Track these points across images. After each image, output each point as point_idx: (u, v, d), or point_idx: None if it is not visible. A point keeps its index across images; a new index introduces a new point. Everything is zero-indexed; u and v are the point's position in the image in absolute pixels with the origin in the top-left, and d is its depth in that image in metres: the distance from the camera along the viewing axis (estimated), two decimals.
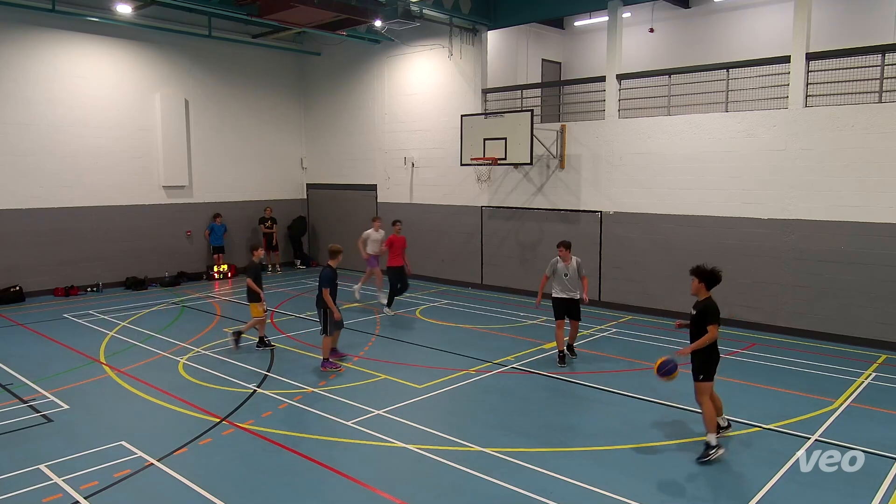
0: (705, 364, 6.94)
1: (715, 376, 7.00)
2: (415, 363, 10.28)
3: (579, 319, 10.42)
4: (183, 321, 13.15)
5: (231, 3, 14.34)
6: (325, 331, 9.87)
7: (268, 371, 9.79)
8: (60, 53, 15.61)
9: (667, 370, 7.02)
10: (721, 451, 6.85)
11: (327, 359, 9.89)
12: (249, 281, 10.88)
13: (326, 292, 9.58)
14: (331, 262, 9.89)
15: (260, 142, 19.79)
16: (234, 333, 11.04)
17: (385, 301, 13.85)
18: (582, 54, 18.42)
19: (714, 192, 12.67)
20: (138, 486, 6.26)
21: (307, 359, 10.47)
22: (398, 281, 13.65)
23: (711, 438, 6.83)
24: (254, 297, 10.82)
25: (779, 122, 11.85)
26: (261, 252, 11.22)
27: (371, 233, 14.31)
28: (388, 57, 18.17)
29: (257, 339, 11.05)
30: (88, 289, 16.23)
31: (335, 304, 9.74)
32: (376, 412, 8.08)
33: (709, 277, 6.95)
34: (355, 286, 14.91)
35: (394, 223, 13.87)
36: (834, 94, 11.43)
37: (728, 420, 7.50)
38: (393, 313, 13.60)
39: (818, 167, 11.48)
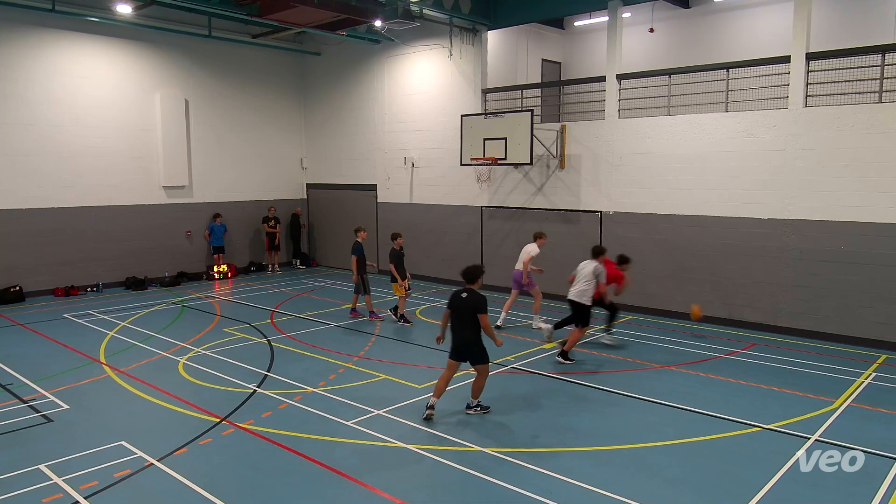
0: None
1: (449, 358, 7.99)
2: (415, 363, 10.28)
3: (572, 324, 10.65)
4: (183, 321, 13.16)
5: (231, 3, 14.34)
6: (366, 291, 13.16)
7: (268, 371, 9.79)
8: (60, 53, 15.62)
9: None
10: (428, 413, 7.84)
11: (372, 311, 13.16)
12: (392, 266, 12.69)
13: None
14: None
15: (260, 142, 19.80)
16: (392, 311, 13.08)
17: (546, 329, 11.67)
18: (582, 54, 18.42)
19: (714, 192, 12.67)
20: (138, 486, 6.25)
21: (307, 359, 10.47)
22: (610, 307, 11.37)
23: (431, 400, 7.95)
24: (393, 279, 12.75)
25: (779, 122, 11.85)
26: (401, 241, 12.91)
27: (538, 250, 12.39)
28: (388, 57, 18.16)
29: (395, 311, 13.06)
30: (88, 289, 16.23)
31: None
32: (376, 412, 8.08)
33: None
34: (539, 322, 12.16)
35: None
36: (834, 94, 11.43)
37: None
38: (611, 341, 11.36)
39: (818, 167, 11.48)
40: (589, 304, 10.34)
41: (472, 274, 7.98)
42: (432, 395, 7.98)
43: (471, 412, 8.06)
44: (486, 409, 8.13)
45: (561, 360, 10.25)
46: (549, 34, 18.51)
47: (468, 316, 7.78)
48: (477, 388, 8.08)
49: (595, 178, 14.37)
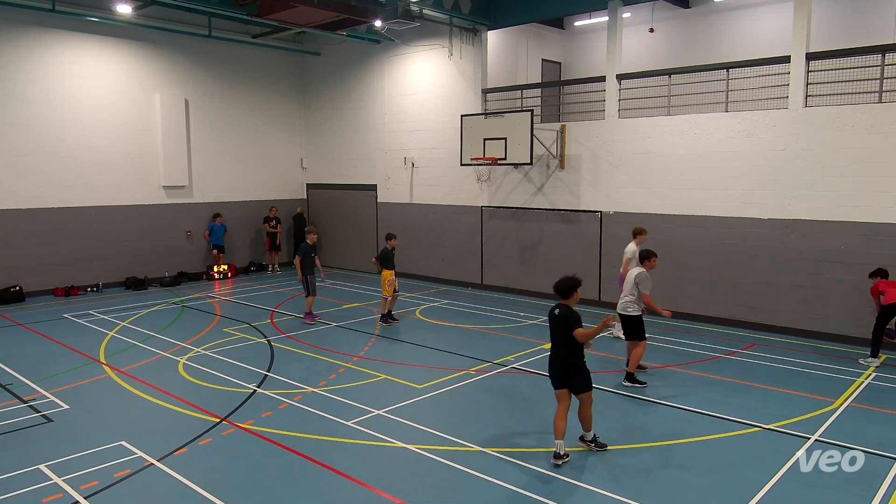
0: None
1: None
2: (415, 363, 10.28)
3: (630, 339, 9.44)
4: (183, 321, 13.16)
5: (231, 3, 14.34)
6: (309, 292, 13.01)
7: (268, 371, 9.79)
8: (60, 53, 15.61)
9: None
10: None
11: (309, 312, 13.06)
12: (374, 261, 13.15)
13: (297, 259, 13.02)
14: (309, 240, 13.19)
15: (260, 142, 19.79)
16: (382, 317, 12.94)
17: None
18: (582, 54, 18.42)
19: (714, 192, 12.67)
20: (138, 486, 6.26)
21: (307, 359, 10.47)
22: None
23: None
24: (379, 271, 12.94)
25: (779, 122, 11.85)
26: (395, 241, 13.06)
27: (635, 248, 11.07)
28: (388, 57, 18.17)
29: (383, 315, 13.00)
30: (88, 289, 16.22)
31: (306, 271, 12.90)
32: (376, 412, 8.08)
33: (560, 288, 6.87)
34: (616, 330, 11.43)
35: None
36: (834, 94, 11.43)
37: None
38: None
39: (818, 167, 11.48)
40: (636, 314, 9.19)
41: (564, 288, 6.79)
42: (555, 438, 6.75)
43: (582, 445, 7.07)
44: (602, 445, 7.05)
45: (628, 383, 9.15)
46: (549, 34, 18.51)
47: (559, 335, 6.77)
48: (584, 419, 6.99)
49: (595, 178, 14.37)
